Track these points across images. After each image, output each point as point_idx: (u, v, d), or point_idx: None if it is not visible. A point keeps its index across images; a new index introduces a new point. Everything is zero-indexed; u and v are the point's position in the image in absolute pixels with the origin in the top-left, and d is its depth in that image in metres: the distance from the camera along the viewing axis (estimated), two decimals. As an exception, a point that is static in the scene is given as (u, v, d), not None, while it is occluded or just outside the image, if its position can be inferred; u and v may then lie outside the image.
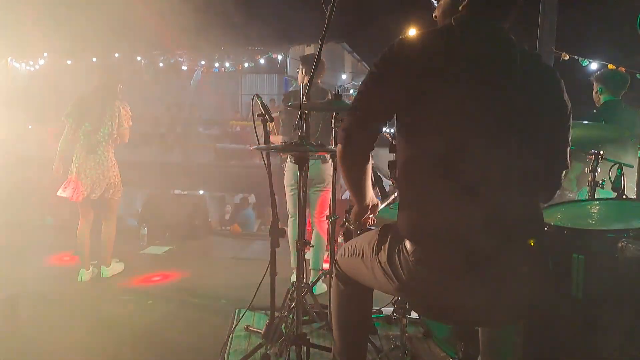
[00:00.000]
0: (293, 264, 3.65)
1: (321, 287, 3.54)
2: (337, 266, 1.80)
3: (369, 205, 1.67)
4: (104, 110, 3.75)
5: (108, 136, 3.77)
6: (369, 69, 1.51)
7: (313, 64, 3.26)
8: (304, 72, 3.69)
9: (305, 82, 3.71)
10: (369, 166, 1.56)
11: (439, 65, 1.38)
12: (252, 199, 10.66)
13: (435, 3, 1.59)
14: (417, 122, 1.41)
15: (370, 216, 1.73)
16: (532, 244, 1.42)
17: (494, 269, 1.38)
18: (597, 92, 3.55)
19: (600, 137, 2.48)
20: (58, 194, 3.79)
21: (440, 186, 1.39)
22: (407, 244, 1.45)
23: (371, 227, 1.80)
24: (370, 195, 1.65)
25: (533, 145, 1.44)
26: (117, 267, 4.03)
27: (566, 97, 1.49)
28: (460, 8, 1.47)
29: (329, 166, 3.61)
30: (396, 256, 1.48)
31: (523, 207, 1.43)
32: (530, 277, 1.43)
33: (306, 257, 4.09)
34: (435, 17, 1.58)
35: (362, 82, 1.50)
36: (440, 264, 1.40)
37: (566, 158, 1.53)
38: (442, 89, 1.37)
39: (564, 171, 1.54)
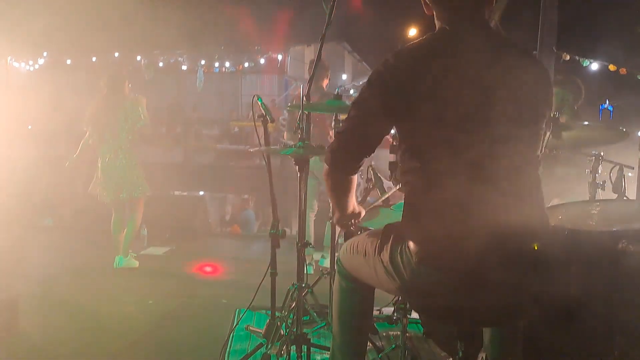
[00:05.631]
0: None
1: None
2: (339, 263, 1.81)
3: (350, 215, 1.77)
4: (117, 116, 3.93)
5: (126, 139, 3.97)
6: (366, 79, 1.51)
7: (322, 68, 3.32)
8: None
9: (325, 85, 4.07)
10: (353, 185, 1.66)
11: (431, 79, 1.38)
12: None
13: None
14: (418, 131, 1.42)
15: (353, 221, 1.81)
16: (535, 247, 1.42)
17: (498, 271, 1.38)
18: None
19: (601, 138, 2.48)
20: (89, 191, 4.10)
21: (445, 189, 1.40)
22: (411, 244, 1.45)
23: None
24: (352, 206, 1.75)
25: (533, 142, 1.46)
26: (132, 262, 4.18)
27: (552, 87, 1.53)
28: (426, 12, 1.52)
29: None
30: (399, 256, 1.49)
31: (530, 208, 1.44)
32: (534, 279, 1.44)
33: (314, 258, 4.23)
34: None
35: (353, 102, 1.51)
36: (443, 265, 1.40)
37: (542, 142, 1.56)
38: (437, 99, 1.37)
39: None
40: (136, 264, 4.22)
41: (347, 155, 1.53)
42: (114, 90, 3.98)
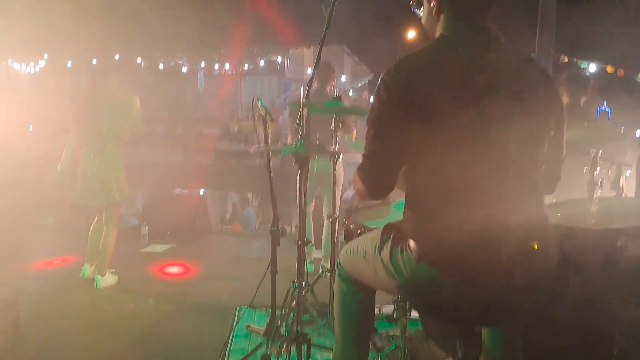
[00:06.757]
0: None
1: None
2: (339, 266, 1.81)
3: None
4: (100, 112, 3.68)
5: (112, 137, 3.70)
6: (371, 101, 1.48)
7: (325, 70, 3.40)
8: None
9: (332, 88, 4.20)
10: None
11: (440, 88, 1.37)
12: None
13: (419, 13, 1.60)
14: (426, 135, 1.40)
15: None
16: (535, 247, 1.43)
17: (498, 270, 1.39)
18: None
19: (599, 137, 2.49)
20: (71, 199, 3.80)
21: (448, 190, 1.41)
22: (412, 242, 1.46)
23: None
24: None
25: (536, 146, 1.46)
26: (110, 279, 3.83)
27: (559, 92, 1.53)
28: (434, 13, 1.50)
29: (338, 164, 3.73)
30: (399, 254, 1.50)
31: (530, 208, 1.44)
32: (533, 278, 1.44)
33: (314, 255, 4.22)
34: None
35: (369, 122, 1.46)
36: (444, 263, 1.41)
37: (563, 150, 1.58)
38: (446, 106, 1.37)
39: (562, 163, 1.59)
40: (116, 279, 3.86)
41: (382, 180, 1.50)
42: (95, 88, 3.74)
